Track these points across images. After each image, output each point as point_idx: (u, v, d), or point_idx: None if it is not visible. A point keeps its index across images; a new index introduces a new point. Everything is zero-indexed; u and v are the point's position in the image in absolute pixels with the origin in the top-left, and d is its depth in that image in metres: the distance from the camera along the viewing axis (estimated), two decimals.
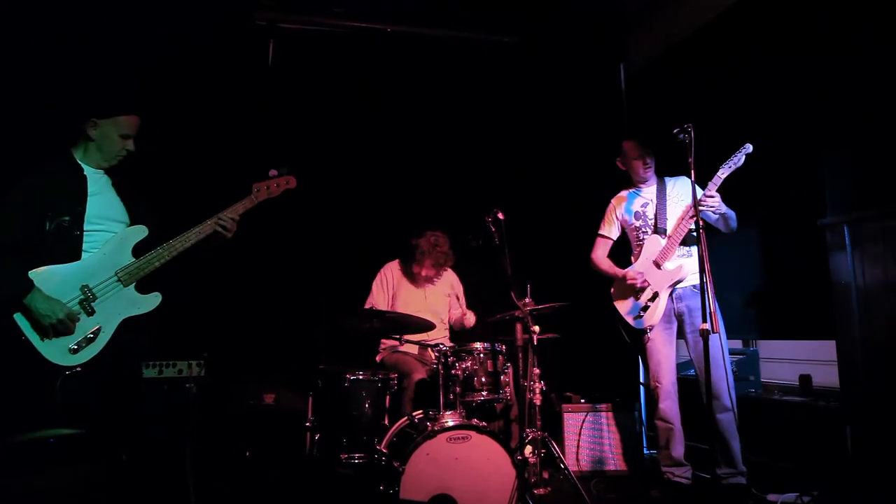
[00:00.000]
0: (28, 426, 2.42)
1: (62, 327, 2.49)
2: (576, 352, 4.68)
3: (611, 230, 3.86)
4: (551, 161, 5.25)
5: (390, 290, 4.14)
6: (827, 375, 3.69)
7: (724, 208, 3.39)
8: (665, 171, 3.77)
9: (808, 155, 3.56)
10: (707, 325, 2.79)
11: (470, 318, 4.16)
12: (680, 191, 3.64)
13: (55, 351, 2.49)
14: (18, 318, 2.47)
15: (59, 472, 2.43)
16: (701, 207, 3.25)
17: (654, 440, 3.73)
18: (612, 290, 3.75)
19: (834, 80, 3.47)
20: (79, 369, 2.51)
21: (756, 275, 4.03)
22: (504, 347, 3.46)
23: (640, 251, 3.67)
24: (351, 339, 4.01)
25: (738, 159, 3.27)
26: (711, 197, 3.30)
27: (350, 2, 4.80)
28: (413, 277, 4.12)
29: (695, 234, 3.41)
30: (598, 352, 4.89)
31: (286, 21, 4.78)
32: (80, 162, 2.73)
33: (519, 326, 3.62)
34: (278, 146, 4.58)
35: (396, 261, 4.24)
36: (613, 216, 3.85)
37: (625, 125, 5.40)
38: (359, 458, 3.15)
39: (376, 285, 4.17)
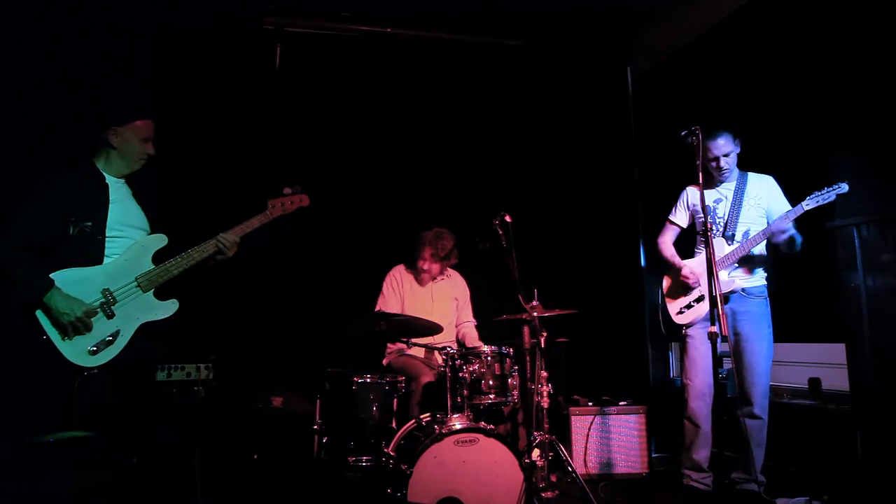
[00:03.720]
0: (46, 427, 2.45)
1: (80, 325, 2.54)
2: (583, 354, 4.67)
3: (681, 217, 3.69)
4: (558, 164, 5.25)
5: (399, 292, 4.13)
6: (836, 379, 3.67)
7: (790, 233, 3.26)
8: (746, 166, 3.56)
9: (816, 157, 3.55)
10: (716, 329, 2.76)
11: (472, 334, 4.12)
12: (760, 192, 3.43)
13: (75, 351, 2.55)
14: (40, 315, 2.53)
15: (67, 475, 2.45)
16: (774, 240, 3.24)
17: (663, 443, 3.72)
18: (664, 277, 3.68)
19: (841, 81, 3.46)
20: (96, 371, 2.56)
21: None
22: (511, 350, 3.45)
23: (702, 248, 3.50)
24: (358, 342, 4.01)
25: (829, 196, 3.11)
26: (783, 232, 3.19)
27: (357, 6, 4.82)
28: (418, 275, 4.11)
29: (762, 253, 3.40)
30: (605, 354, 4.88)
31: (293, 25, 4.80)
32: (102, 171, 2.80)
33: (526, 329, 3.62)
34: (284, 149, 4.60)
35: (402, 265, 4.24)
36: (685, 203, 3.67)
37: (632, 127, 5.40)
38: (366, 460, 3.15)
39: (387, 286, 4.16)
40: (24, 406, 2.64)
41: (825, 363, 3.86)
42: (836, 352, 3.57)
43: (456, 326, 4.20)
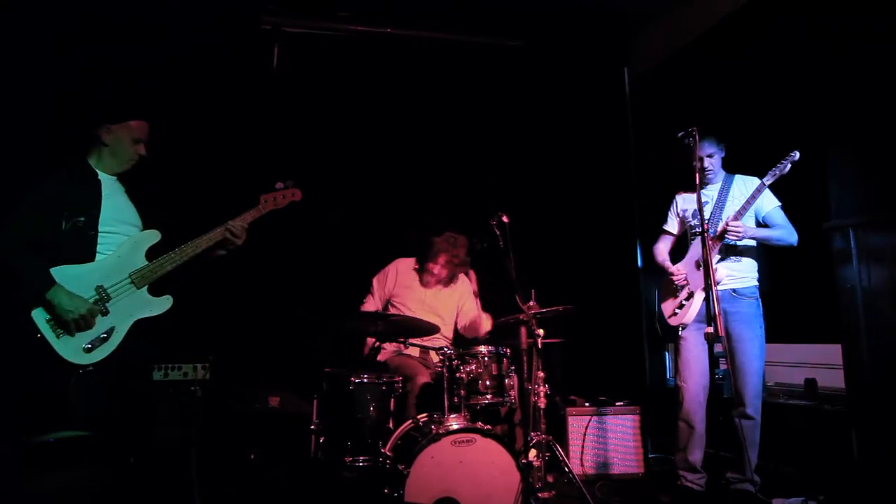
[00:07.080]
0: (42, 425, 2.45)
1: (84, 322, 2.54)
2: (580, 355, 4.68)
3: (672, 225, 3.81)
4: (556, 164, 5.25)
5: (390, 287, 4.11)
6: (832, 379, 3.68)
7: (751, 233, 3.36)
8: (745, 166, 3.61)
9: (814, 158, 3.55)
10: (711, 329, 2.78)
11: (485, 323, 4.06)
12: (744, 192, 3.47)
13: (70, 349, 2.54)
14: (36, 314, 2.52)
15: (65, 474, 2.45)
16: (728, 233, 3.30)
17: (660, 444, 3.73)
18: (660, 283, 3.75)
19: (839, 83, 3.47)
20: (91, 368, 2.56)
21: (762, 278, 4.01)
22: (509, 350, 3.45)
23: (690, 249, 3.62)
24: (355, 341, 4.01)
25: (784, 167, 3.20)
26: (734, 227, 3.27)
27: (355, 6, 4.82)
28: (424, 276, 4.08)
29: (749, 244, 3.45)
30: (602, 355, 4.89)
31: (291, 25, 4.80)
32: (94, 168, 2.80)
33: (523, 330, 3.62)
34: (283, 149, 4.60)
35: (409, 259, 4.20)
36: (675, 210, 3.79)
37: (630, 128, 5.40)
38: (363, 461, 3.14)
39: (376, 281, 4.16)
40: (20, 405, 2.64)
41: (821, 364, 3.87)
42: (832, 352, 3.58)
43: (464, 320, 4.18)
